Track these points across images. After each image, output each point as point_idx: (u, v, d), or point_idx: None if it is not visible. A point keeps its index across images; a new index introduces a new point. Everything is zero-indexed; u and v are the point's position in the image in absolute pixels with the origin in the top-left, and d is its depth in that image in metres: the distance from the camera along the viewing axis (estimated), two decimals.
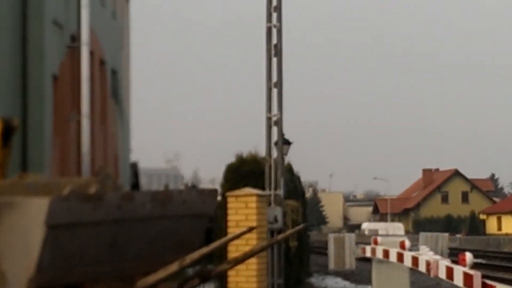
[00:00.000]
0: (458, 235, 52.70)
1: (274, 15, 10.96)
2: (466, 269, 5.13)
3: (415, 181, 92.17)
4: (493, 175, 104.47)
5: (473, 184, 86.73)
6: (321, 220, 37.01)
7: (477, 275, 4.82)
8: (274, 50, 10.91)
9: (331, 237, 13.23)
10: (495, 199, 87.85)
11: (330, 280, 14.82)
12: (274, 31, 10.97)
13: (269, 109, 10.96)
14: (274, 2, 10.96)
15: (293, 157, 16.12)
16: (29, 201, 2.47)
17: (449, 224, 69.29)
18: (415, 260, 7.55)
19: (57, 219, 2.31)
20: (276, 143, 11.06)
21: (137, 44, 27.22)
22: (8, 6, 9.95)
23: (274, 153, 11.12)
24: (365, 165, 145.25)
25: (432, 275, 6.60)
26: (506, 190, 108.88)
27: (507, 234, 58.45)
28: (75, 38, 11.03)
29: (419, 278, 12.07)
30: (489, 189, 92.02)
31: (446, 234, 20.42)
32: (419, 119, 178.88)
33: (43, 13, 10.47)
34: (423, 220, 75.72)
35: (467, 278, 4.98)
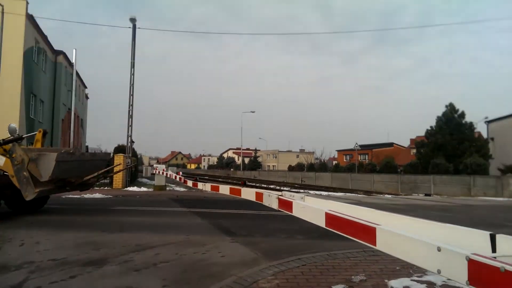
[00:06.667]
0: None
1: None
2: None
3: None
4: None
5: None
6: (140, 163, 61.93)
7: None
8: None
9: (144, 167, 33.42)
10: None
11: (144, 179, 32.40)
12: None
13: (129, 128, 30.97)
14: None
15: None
16: (51, 153, 8.66)
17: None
18: (164, 173, 24.34)
19: (58, 158, 8.38)
20: (132, 142, 30.78)
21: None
22: (50, 102, 31.49)
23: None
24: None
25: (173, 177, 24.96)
26: None
27: None
28: (69, 109, 32.09)
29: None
30: None
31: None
32: None
33: (60, 100, 32.09)
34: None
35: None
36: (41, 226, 8.23)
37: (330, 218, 2.50)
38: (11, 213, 10.05)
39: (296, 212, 3.06)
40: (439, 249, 1.77)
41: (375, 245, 2.13)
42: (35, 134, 10.44)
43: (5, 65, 19.72)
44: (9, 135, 9.97)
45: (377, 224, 2.10)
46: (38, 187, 8.47)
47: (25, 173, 8.36)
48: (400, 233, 1.95)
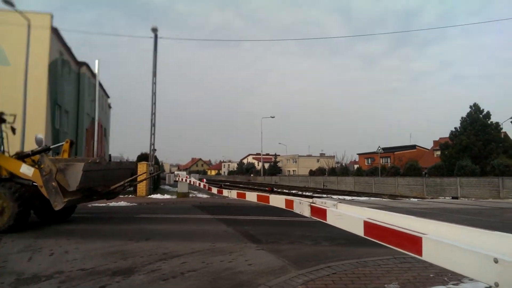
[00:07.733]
0: None
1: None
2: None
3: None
4: None
5: None
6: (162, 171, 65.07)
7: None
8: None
9: (167, 175, 33.50)
10: None
11: (166, 187, 32.23)
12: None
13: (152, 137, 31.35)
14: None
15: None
16: (78, 163, 8.90)
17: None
18: (187, 180, 24.70)
19: (85, 168, 8.69)
20: (154, 150, 31.20)
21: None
22: (74, 112, 32.29)
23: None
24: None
25: (196, 184, 23.94)
26: None
27: None
28: (93, 118, 32.77)
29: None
30: None
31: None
32: None
33: (84, 110, 32.87)
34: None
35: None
36: (70, 235, 8.34)
37: (370, 227, 2.38)
38: (40, 222, 10.24)
39: (331, 220, 2.95)
40: (496, 261, 1.65)
41: (420, 255, 2.01)
42: (62, 144, 10.65)
43: (31, 77, 20.27)
44: (36, 146, 10.22)
45: (424, 234, 1.98)
46: (66, 196, 8.60)
47: (53, 183, 8.52)
48: (450, 243, 1.82)
